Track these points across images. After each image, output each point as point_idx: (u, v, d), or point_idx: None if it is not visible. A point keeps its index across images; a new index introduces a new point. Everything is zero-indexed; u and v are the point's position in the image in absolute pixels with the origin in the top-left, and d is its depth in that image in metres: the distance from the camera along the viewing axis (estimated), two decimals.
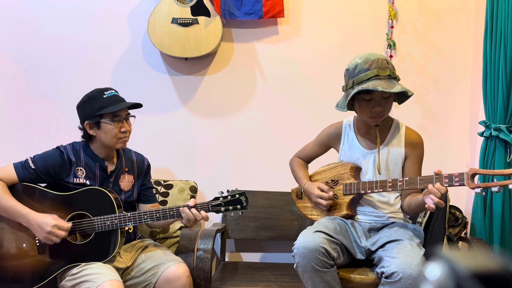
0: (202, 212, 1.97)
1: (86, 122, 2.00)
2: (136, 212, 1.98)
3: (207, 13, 2.60)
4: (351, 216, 1.99)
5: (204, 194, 2.77)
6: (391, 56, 2.71)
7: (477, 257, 0.45)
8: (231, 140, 2.79)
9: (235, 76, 2.77)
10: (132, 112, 2.09)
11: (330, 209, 2.01)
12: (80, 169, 2.03)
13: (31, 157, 2.01)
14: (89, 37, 2.77)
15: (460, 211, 2.48)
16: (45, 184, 2.03)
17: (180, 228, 2.48)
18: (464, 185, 1.66)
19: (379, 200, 1.97)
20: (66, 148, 2.05)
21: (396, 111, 2.53)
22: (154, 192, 2.28)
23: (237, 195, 1.99)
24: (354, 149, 2.01)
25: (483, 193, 1.65)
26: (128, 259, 2.04)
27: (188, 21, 2.59)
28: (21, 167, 1.99)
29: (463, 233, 2.47)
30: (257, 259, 2.84)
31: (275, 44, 2.76)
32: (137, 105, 2.07)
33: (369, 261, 1.90)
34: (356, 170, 1.99)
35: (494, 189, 1.61)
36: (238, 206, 1.98)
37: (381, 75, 1.78)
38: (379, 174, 1.93)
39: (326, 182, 2.04)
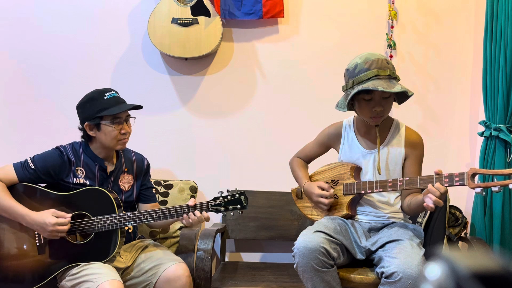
0: (204, 213, 1.97)
1: (86, 123, 2.00)
2: (136, 212, 1.98)
3: (207, 13, 2.60)
4: (351, 216, 1.99)
5: (204, 194, 2.77)
6: (391, 56, 2.70)
7: (477, 257, 0.45)
8: (231, 140, 2.78)
9: (235, 76, 2.77)
10: (132, 112, 2.08)
11: (330, 209, 2.01)
12: (80, 169, 2.03)
13: (30, 157, 2.01)
14: (89, 37, 2.77)
15: (460, 211, 2.48)
16: (45, 184, 2.03)
17: (180, 228, 2.48)
18: (464, 185, 1.66)
19: (379, 200, 1.97)
20: (65, 148, 2.05)
21: (396, 111, 2.53)
22: (154, 192, 2.28)
23: (237, 195, 1.99)
24: (354, 149, 2.01)
25: (483, 193, 1.66)
26: (128, 259, 2.04)
27: (188, 21, 2.59)
28: (20, 167, 1.99)
29: (463, 233, 2.47)
30: (257, 259, 2.83)
31: (275, 44, 2.76)
32: (137, 107, 2.07)
33: (369, 261, 1.90)
34: (356, 170, 1.99)
35: (494, 188, 1.62)
36: (238, 206, 1.98)
37: (381, 75, 1.78)
38: (379, 174, 1.93)
39: (326, 182, 2.04)
